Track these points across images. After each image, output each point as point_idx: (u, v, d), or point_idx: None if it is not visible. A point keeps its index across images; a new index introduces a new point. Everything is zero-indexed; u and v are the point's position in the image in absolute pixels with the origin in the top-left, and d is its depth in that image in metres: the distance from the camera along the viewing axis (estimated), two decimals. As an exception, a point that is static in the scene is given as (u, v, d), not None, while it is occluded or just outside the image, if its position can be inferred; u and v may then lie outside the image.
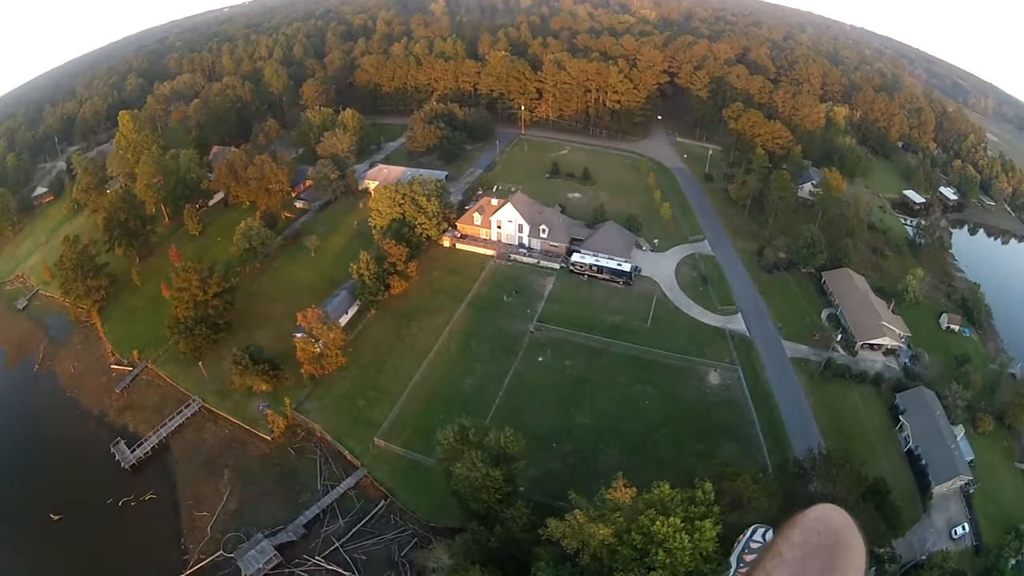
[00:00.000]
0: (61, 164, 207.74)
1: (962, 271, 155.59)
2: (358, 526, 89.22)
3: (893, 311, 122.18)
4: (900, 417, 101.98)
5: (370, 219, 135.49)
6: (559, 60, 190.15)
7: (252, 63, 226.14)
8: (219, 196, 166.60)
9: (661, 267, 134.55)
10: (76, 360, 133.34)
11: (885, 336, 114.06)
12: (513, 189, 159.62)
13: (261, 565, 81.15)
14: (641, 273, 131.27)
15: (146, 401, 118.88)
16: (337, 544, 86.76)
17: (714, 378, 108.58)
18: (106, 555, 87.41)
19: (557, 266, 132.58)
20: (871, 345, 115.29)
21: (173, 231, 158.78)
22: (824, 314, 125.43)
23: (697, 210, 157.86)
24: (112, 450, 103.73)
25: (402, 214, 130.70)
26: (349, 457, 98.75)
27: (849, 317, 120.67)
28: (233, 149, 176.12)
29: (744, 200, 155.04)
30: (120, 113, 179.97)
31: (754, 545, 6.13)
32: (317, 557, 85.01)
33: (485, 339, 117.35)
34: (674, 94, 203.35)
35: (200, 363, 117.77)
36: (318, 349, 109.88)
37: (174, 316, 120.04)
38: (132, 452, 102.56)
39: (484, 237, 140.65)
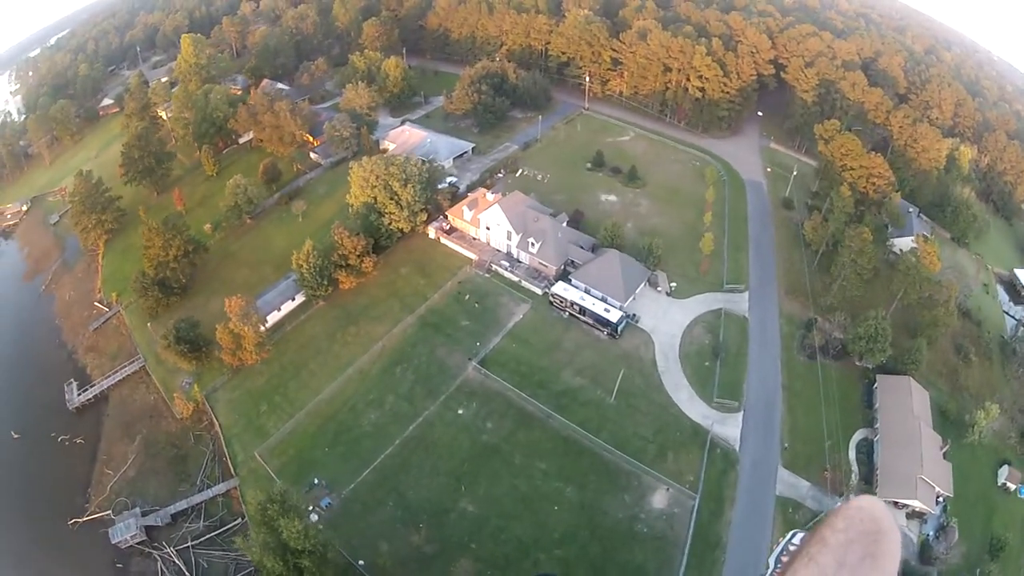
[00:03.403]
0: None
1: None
2: (213, 534, 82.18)
3: (945, 455, 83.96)
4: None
5: (348, 196, 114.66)
6: (644, 29, 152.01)
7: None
8: (250, 135, 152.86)
9: (669, 320, 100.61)
10: (73, 289, 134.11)
11: (917, 499, 77.30)
12: (539, 177, 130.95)
13: (127, 537, 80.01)
14: (637, 323, 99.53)
15: (107, 346, 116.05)
16: (190, 543, 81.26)
17: (659, 500, 78.16)
18: (30, 481, 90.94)
19: (540, 291, 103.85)
20: (895, 502, 79.57)
21: (195, 167, 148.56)
22: (855, 438, 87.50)
23: (754, 246, 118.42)
24: (65, 388, 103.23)
25: (373, 198, 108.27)
26: (229, 462, 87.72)
27: (884, 454, 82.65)
28: (276, 86, 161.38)
29: (819, 245, 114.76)
30: (183, 36, 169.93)
31: (792, 548, 5.80)
32: (171, 549, 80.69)
33: (413, 368, 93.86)
34: (779, 89, 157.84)
35: (149, 324, 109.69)
36: (249, 334, 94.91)
37: (141, 270, 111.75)
38: (78, 395, 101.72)
39: (473, 236, 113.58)
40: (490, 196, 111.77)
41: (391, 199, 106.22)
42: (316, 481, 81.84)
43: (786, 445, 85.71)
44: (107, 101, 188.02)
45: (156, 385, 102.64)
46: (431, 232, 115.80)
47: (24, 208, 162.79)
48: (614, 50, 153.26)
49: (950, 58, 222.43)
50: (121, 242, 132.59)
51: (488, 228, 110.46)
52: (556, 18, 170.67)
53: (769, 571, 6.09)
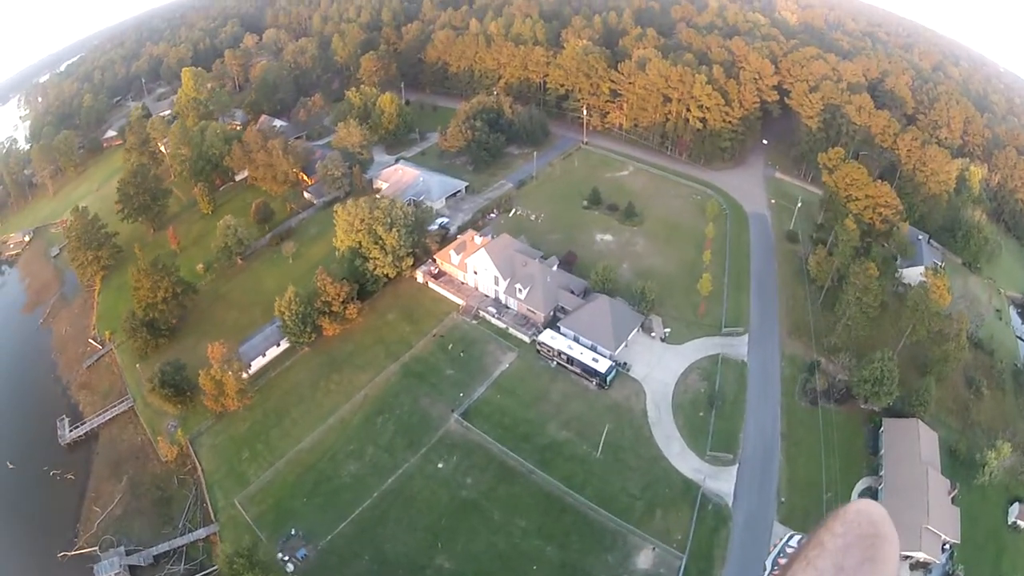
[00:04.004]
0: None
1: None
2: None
3: (954, 500, 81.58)
4: None
5: (335, 239, 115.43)
6: (644, 58, 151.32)
7: (337, 24, 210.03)
8: (246, 172, 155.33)
9: (663, 367, 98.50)
10: (70, 324, 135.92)
11: (921, 550, 74.54)
12: (533, 217, 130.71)
13: (111, 575, 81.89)
14: (628, 372, 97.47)
15: (99, 384, 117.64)
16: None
17: (644, 560, 75.78)
18: (23, 512, 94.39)
19: (527, 339, 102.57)
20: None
21: (192, 204, 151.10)
22: (858, 488, 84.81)
23: (756, 284, 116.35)
24: (57, 424, 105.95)
25: (358, 243, 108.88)
26: (210, 508, 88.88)
27: (887, 504, 79.76)
28: (272, 122, 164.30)
29: (824, 280, 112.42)
30: (184, 69, 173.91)
31: (789, 550, 5.77)
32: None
33: (395, 418, 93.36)
34: (785, 116, 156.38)
35: (138, 365, 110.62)
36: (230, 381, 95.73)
37: (131, 311, 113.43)
38: (70, 432, 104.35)
39: (461, 280, 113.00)
40: (478, 239, 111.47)
41: (375, 244, 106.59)
42: (293, 532, 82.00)
43: (783, 499, 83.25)
44: (111, 133, 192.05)
45: (144, 426, 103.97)
46: (419, 276, 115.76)
47: (27, 238, 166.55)
48: (612, 81, 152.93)
49: (958, 73, 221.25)
50: (117, 279, 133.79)
51: (476, 272, 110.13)
52: (554, 49, 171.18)
53: (766, 573, 5.69)
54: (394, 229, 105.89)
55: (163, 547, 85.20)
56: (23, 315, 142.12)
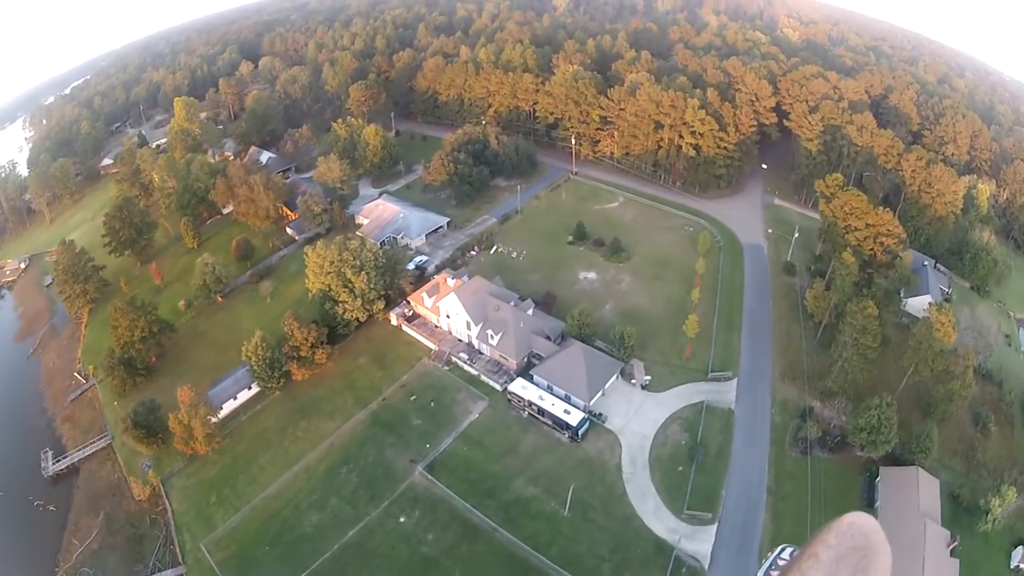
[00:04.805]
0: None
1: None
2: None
3: (953, 552, 77.07)
4: None
5: (307, 281, 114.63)
6: (636, 83, 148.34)
7: (331, 51, 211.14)
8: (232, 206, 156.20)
9: (642, 418, 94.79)
10: (58, 356, 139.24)
11: None
12: (515, 254, 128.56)
13: None
14: (604, 423, 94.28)
15: (81, 418, 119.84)
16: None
17: (608, 630, 73.94)
18: (8, 539, 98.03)
19: (499, 387, 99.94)
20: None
21: (178, 238, 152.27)
22: None
23: (748, 323, 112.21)
24: (41, 456, 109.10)
25: (328, 286, 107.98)
26: (178, 550, 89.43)
27: None
28: (260, 154, 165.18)
29: (821, 316, 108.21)
30: (176, 99, 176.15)
31: (781, 563, 5.80)
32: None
33: (359, 469, 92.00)
34: (785, 138, 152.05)
35: (116, 402, 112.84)
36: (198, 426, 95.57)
37: (110, 348, 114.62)
38: (53, 464, 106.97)
39: (435, 324, 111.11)
40: (451, 281, 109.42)
41: (344, 287, 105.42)
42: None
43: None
44: (107, 161, 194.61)
45: (120, 464, 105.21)
46: (393, 319, 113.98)
47: (23, 265, 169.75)
48: (602, 108, 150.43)
49: (963, 85, 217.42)
50: (104, 312, 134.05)
51: (448, 316, 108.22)
52: (544, 76, 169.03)
53: None
54: (364, 272, 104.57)
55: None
56: (14, 344, 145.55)
